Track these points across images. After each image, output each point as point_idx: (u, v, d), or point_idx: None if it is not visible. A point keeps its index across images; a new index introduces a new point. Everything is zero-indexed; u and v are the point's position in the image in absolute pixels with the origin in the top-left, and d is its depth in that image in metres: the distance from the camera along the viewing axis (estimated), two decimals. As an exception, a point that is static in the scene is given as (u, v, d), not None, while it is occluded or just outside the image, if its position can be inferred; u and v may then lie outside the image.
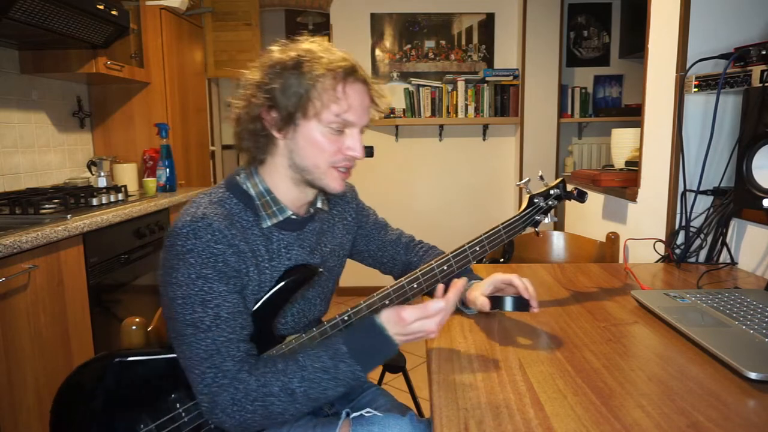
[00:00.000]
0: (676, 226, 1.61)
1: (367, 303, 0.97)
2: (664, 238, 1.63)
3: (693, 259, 1.54)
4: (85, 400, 0.92)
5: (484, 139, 3.95)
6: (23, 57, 2.37)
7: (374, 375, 1.43)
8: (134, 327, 1.02)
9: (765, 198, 1.23)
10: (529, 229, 1.13)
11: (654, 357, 0.89)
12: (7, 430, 1.48)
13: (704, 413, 0.70)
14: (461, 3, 3.80)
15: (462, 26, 3.83)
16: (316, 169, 0.94)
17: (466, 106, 3.76)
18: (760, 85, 1.27)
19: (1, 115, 2.27)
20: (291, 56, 0.90)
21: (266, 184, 0.96)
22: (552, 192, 1.13)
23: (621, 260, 1.65)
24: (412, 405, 1.95)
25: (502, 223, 1.08)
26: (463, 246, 1.04)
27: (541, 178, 1.17)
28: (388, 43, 3.83)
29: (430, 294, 1.16)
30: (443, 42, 3.84)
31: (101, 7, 2.12)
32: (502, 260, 1.76)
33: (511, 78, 3.73)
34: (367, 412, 0.94)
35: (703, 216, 1.54)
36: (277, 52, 0.93)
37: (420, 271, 1.00)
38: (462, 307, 1.11)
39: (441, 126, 3.88)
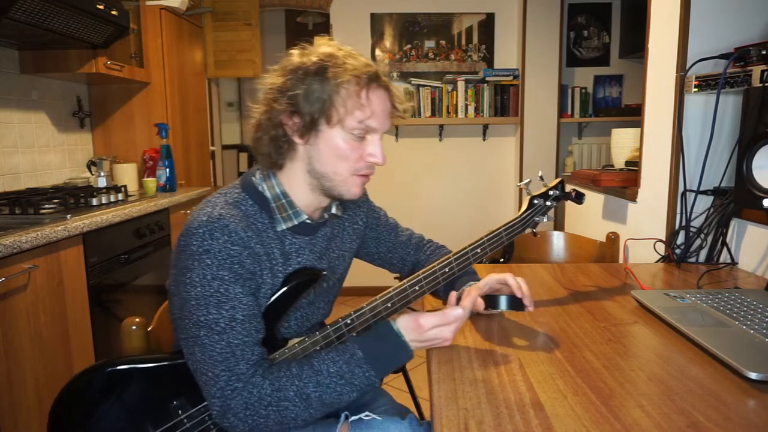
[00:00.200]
0: (676, 226, 1.61)
1: (370, 306, 0.96)
2: (664, 238, 1.63)
3: (693, 259, 1.54)
4: (84, 410, 0.90)
5: (484, 139, 3.95)
6: (23, 57, 2.37)
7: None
8: (134, 327, 1.02)
9: (765, 198, 1.23)
10: (528, 230, 1.13)
11: (654, 357, 0.89)
12: (7, 430, 1.48)
13: (704, 413, 0.70)
14: (461, 3, 3.80)
15: (462, 26, 3.83)
16: (336, 175, 0.92)
17: (466, 106, 3.76)
18: (760, 85, 1.27)
19: (1, 115, 2.27)
20: (313, 61, 0.89)
21: (283, 187, 0.95)
22: (551, 193, 1.14)
23: (621, 260, 1.65)
24: (412, 405, 1.95)
25: (503, 225, 1.08)
26: (465, 248, 1.04)
27: (541, 178, 1.17)
28: (388, 43, 3.83)
29: (434, 294, 1.16)
30: (443, 42, 3.84)
31: (101, 7, 2.12)
32: (502, 260, 1.77)
33: (511, 78, 3.73)
34: (366, 416, 0.94)
35: (703, 216, 1.54)
36: (297, 56, 0.91)
37: (422, 273, 1.00)
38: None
39: (441, 126, 3.88)
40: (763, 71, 1.28)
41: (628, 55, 3.96)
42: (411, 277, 0.99)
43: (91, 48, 2.36)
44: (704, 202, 1.56)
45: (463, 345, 0.96)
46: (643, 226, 1.80)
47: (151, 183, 2.62)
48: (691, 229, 1.55)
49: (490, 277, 1.05)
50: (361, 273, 1.85)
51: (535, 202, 1.12)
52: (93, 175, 2.61)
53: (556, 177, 1.30)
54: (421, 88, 3.75)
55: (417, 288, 0.99)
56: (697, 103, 1.58)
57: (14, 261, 1.50)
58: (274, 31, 5.36)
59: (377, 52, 3.82)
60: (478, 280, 1.11)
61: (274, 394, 0.82)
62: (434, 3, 3.80)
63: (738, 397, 0.75)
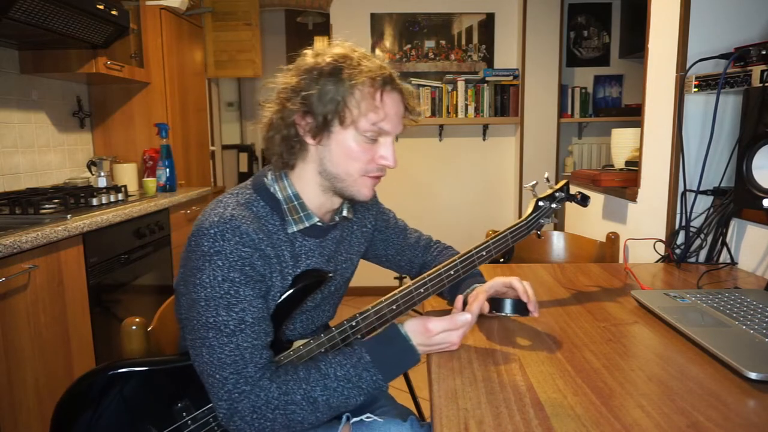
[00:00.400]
0: (676, 226, 1.61)
1: (375, 309, 0.96)
2: (664, 238, 1.63)
3: (693, 259, 1.54)
4: (87, 413, 0.90)
5: (484, 139, 3.95)
6: (23, 57, 2.37)
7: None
8: (134, 327, 1.01)
9: (765, 198, 1.23)
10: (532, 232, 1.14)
11: (654, 357, 0.89)
12: (7, 430, 1.47)
13: (704, 413, 0.70)
14: (461, 3, 3.80)
15: (462, 26, 3.83)
16: (348, 176, 0.92)
17: (466, 106, 3.76)
18: (760, 85, 1.27)
19: (1, 115, 2.27)
20: (328, 62, 0.88)
21: (295, 189, 0.94)
22: (557, 195, 1.14)
23: (621, 260, 1.65)
24: (412, 405, 1.94)
25: (509, 228, 1.08)
26: (470, 251, 1.04)
27: (547, 180, 1.17)
28: (388, 43, 3.83)
29: (439, 295, 1.16)
30: (443, 42, 3.84)
31: (101, 7, 2.12)
32: (502, 260, 1.76)
33: (511, 78, 3.73)
34: (368, 417, 0.93)
35: (703, 216, 1.54)
36: (311, 56, 0.91)
37: (428, 276, 1.00)
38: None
39: (441, 126, 3.88)
40: (763, 71, 1.28)
41: (628, 55, 3.96)
42: (416, 279, 0.99)
43: (91, 48, 2.36)
44: (704, 202, 1.56)
45: (463, 345, 0.96)
46: (643, 226, 1.80)
47: (151, 183, 2.62)
48: (691, 229, 1.55)
49: (496, 280, 1.05)
50: (361, 273, 1.85)
51: (541, 204, 1.12)
52: (93, 175, 2.62)
53: (557, 177, 1.30)
54: (421, 88, 3.75)
55: (422, 290, 0.99)
56: (697, 103, 1.58)
57: (14, 261, 1.50)
58: (274, 31, 5.36)
59: (377, 52, 3.82)
60: (484, 281, 1.11)
61: (281, 397, 0.82)
62: (434, 3, 3.80)
63: (738, 397, 0.75)
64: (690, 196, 1.56)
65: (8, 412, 1.48)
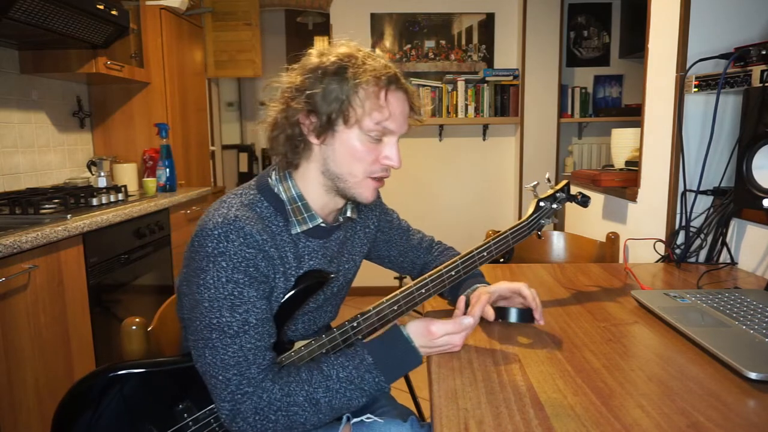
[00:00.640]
0: (676, 226, 1.61)
1: (377, 310, 0.96)
2: (664, 238, 1.63)
3: (693, 259, 1.54)
4: (88, 414, 0.89)
5: (484, 139, 3.95)
6: (23, 57, 2.37)
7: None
8: (134, 327, 1.01)
9: (765, 198, 1.23)
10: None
11: (654, 357, 0.89)
12: (7, 430, 1.47)
13: (704, 413, 0.70)
14: (461, 3, 3.80)
15: (462, 26, 3.83)
16: (351, 177, 0.92)
17: (466, 106, 3.76)
18: (760, 85, 1.27)
19: (1, 115, 2.27)
20: (332, 61, 0.88)
21: (299, 189, 0.94)
22: (557, 195, 1.14)
23: (621, 260, 1.65)
24: (412, 405, 1.94)
25: (510, 229, 1.08)
26: (471, 252, 1.04)
27: (548, 180, 1.17)
28: (388, 43, 3.83)
29: (440, 296, 1.16)
30: (443, 42, 3.84)
31: (101, 7, 2.12)
32: (502, 260, 1.76)
33: (511, 78, 3.73)
34: (368, 418, 0.93)
35: (703, 216, 1.54)
36: (315, 56, 0.91)
37: (429, 276, 1.00)
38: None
39: (441, 126, 3.88)
40: (763, 71, 1.28)
41: (628, 55, 3.96)
42: (417, 279, 0.99)
43: (91, 48, 2.36)
44: (704, 202, 1.56)
45: (463, 345, 0.96)
46: (643, 226, 1.80)
47: (151, 183, 2.62)
48: (691, 229, 1.55)
49: (501, 285, 1.04)
50: (362, 273, 1.85)
51: (542, 204, 1.12)
52: (93, 175, 2.62)
53: (557, 177, 1.30)
54: (421, 88, 3.75)
55: (423, 291, 0.99)
56: (697, 103, 1.58)
57: (14, 261, 1.50)
58: (274, 31, 5.36)
59: (377, 52, 3.82)
60: (485, 281, 1.11)
61: (283, 399, 0.82)
62: (434, 3, 3.80)
63: (738, 397, 0.75)
64: (690, 196, 1.56)
65: (8, 412, 1.48)
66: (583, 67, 4.07)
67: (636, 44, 3.78)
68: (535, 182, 1.15)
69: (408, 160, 3.89)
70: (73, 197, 2.10)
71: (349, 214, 1.01)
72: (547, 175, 1.21)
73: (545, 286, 1.32)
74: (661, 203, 1.67)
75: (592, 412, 0.71)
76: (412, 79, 3.79)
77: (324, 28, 4.38)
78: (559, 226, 3.30)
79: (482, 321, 1.08)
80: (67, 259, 1.75)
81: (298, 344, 0.95)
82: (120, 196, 2.33)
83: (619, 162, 2.18)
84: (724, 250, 1.48)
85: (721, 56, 1.43)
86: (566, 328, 1.03)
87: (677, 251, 1.55)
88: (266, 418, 0.81)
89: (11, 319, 1.50)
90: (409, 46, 3.83)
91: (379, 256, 1.20)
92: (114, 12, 2.21)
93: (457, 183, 3.99)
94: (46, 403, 1.62)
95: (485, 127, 3.91)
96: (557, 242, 1.88)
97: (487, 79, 3.73)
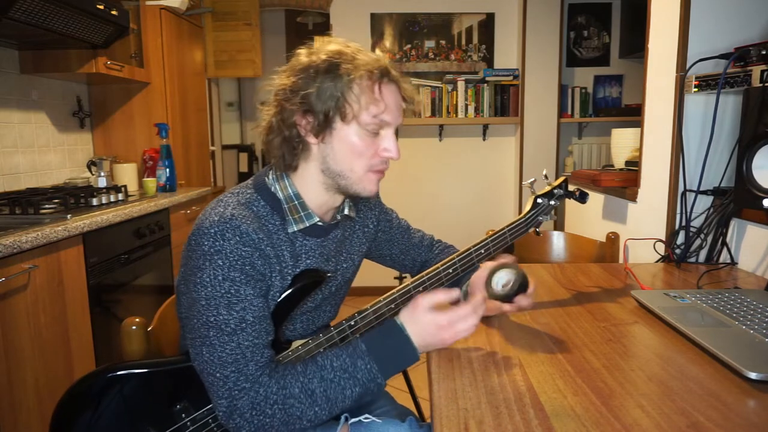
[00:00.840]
0: (676, 226, 1.61)
1: (374, 308, 0.96)
2: (664, 238, 1.63)
3: (693, 259, 1.54)
4: (86, 414, 0.90)
5: (484, 139, 3.95)
6: (23, 57, 2.37)
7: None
8: (134, 327, 1.01)
9: (765, 198, 1.23)
10: (531, 229, 1.13)
11: (654, 357, 0.89)
12: (7, 430, 1.47)
13: (704, 413, 0.70)
14: (461, 3, 3.80)
15: (462, 26, 3.83)
16: (353, 173, 0.92)
17: (466, 106, 3.75)
18: (760, 85, 1.27)
19: (1, 115, 2.27)
20: (323, 59, 0.88)
21: (295, 188, 0.94)
22: (555, 192, 1.13)
23: (621, 260, 1.65)
24: (412, 405, 1.94)
25: (507, 226, 1.08)
26: (469, 249, 1.04)
27: (546, 177, 1.17)
28: (388, 43, 3.83)
29: None
30: (443, 42, 3.84)
31: (101, 7, 2.12)
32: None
33: (511, 78, 3.73)
34: (366, 418, 0.93)
35: (703, 216, 1.54)
36: (305, 55, 0.91)
37: (426, 274, 1.00)
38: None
39: (441, 126, 3.88)
40: (763, 71, 1.28)
41: (628, 55, 3.96)
42: (415, 278, 0.99)
43: (91, 48, 2.36)
44: (704, 202, 1.56)
45: (463, 345, 0.96)
46: (643, 226, 1.80)
47: (151, 183, 2.62)
48: (691, 229, 1.55)
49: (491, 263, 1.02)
50: (361, 273, 1.85)
51: (539, 201, 1.12)
52: (93, 175, 2.62)
53: (557, 177, 1.30)
54: (421, 88, 3.75)
55: (421, 289, 0.99)
56: (697, 103, 1.58)
57: (14, 261, 1.50)
58: (274, 31, 5.35)
59: (377, 52, 3.82)
60: None
61: (279, 392, 0.82)
62: (434, 3, 3.80)
63: (738, 397, 0.75)
64: (690, 196, 1.56)
65: (8, 412, 1.48)
66: (583, 67, 4.06)
67: (636, 44, 3.78)
68: (533, 179, 1.14)
69: (408, 160, 3.89)
70: (73, 197, 2.10)
71: (346, 212, 1.01)
72: (544, 172, 1.21)
73: (545, 286, 1.32)
74: (661, 203, 1.67)
75: (592, 412, 0.71)
76: (412, 79, 3.79)
77: (324, 28, 4.38)
78: (559, 226, 3.30)
79: (484, 318, 1.08)
80: (67, 259, 1.75)
81: (296, 344, 0.95)
82: (120, 196, 2.33)
83: (619, 162, 2.18)
84: (724, 250, 1.48)
85: (721, 56, 1.43)
86: (566, 328, 1.03)
87: (677, 251, 1.55)
88: (263, 413, 0.81)
89: (11, 319, 1.50)
90: (409, 46, 3.83)
91: (381, 254, 1.20)
92: (114, 12, 2.21)
93: (457, 183, 3.99)
94: (46, 403, 1.62)
95: (485, 127, 3.91)
96: (557, 242, 1.88)
97: (487, 79, 3.73)
